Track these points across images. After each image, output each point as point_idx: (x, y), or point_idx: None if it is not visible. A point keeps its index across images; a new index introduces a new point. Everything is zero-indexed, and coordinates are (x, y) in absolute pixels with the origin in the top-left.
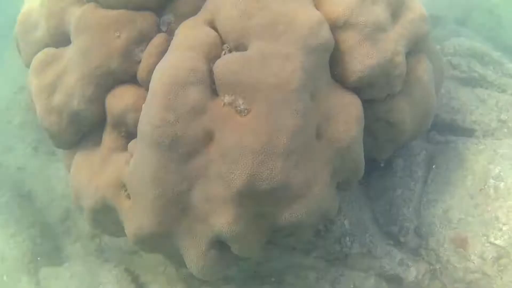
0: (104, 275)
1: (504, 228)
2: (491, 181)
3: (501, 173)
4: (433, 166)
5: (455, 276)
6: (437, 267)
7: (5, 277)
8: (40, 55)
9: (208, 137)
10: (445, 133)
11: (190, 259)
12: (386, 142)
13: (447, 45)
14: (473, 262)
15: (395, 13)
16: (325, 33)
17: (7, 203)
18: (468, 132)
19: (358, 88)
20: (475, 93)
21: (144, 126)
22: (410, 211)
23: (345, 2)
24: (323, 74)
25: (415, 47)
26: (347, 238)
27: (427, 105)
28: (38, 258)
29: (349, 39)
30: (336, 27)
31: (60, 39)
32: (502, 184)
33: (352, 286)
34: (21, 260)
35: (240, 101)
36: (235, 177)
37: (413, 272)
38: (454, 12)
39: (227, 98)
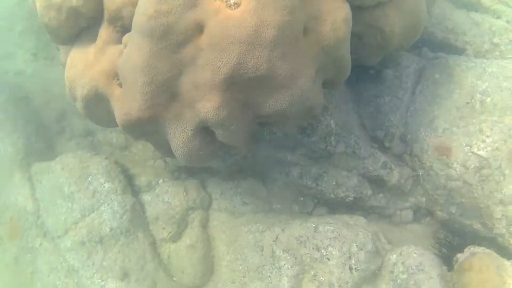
0: (94, 166)
1: (488, 140)
2: (478, 95)
3: (488, 89)
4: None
5: (437, 183)
6: (420, 173)
7: None
8: None
9: (199, 29)
10: (436, 50)
11: (176, 144)
12: (375, 47)
13: None
14: (455, 170)
15: None
16: None
17: (3, 103)
18: (459, 51)
19: None
20: (470, 16)
21: (139, 17)
22: (397, 118)
23: None
24: None
25: None
26: (332, 138)
27: (416, 16)
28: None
29: None
30: None
31: None
32: (488, 99)
33: (334, 183)
34: (14, 157)
35: None
36: (222, 64)
37: (395, 175)
38: None
39: None
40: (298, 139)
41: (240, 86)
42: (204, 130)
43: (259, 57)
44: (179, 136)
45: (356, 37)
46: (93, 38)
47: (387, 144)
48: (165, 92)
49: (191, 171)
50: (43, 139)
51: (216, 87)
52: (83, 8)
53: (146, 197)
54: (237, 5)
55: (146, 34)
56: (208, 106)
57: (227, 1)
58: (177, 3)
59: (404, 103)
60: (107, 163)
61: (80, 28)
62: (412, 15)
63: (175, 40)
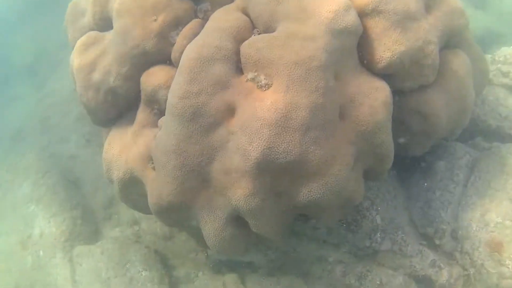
0: (133, 254)
1: None
2: None
3: None
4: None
5: (488, 282)
6: (471, 272)
7: (41, 252)
8: (83, 38)
9: (230, 111)
10: (491, 140)
11: (208, 233)
12: (420, 135)
13: (498, 54)
14: (508, 267)
15: (430, 5)
16: (351, 17)
17: (54, 185)
18: None
19: (388, 76)
20: None
21: (170, 98)
22: (448, 214)
23: None
24: (350, 58)
25: (452, 41)
26: (378, 234)
27: (463, 100)
28: (75, 237)
29: (378, 25)
30: (365, 13)
31: (104, 25)
32: None
33: (378, 283)
34: (58, 238)
35: (262, 77)
36: (253, 148)
37: (445, 275)
38: None
39: (250, 74)
40: (342, 235)
41: (272, 173)
42: (238, 219)
43: (290, 141)
44: (211, 224)
45: (399, 124)
46: (131, 120)
47: (437, 242)
48: (196, 177)
49: (232, 265)
50: (89, 223)
51: (247, 174)
52: (120, 89)
53: None
54: (268, 86)
55: (176, 115)
56: (238, 193)
57: (258, 83)
58: (207, 84)
59: (455, 197)
60: (147, 251)
61: (119, 110)
62: (459, 99)
63: (206, 123)
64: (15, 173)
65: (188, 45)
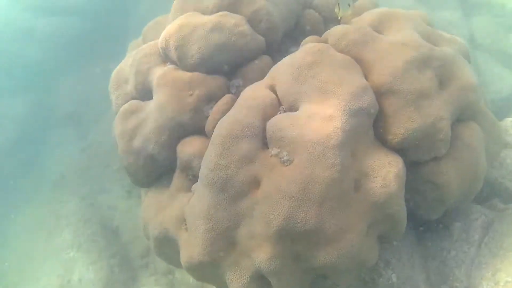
0: None
1: None
2: None
3: None
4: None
5: None
6: None
7: None
8: (126, 105)
9: (256, 183)
10: (508, 201)
11: None
12: (434, 202)
13: None
14: None
15: (443, 81)
16: (368, 98)
17: (94, 234)
18: None
19: (402, 150)
20: None
21: (203, 169)
22: (462, 272)
23: (390, 70)
24: (366, 134)
25: (464, 114)
26: None
27: (475, 170)
28: (112, 284)
29: (392, 104)
30: (380, 93)
31: (145, 94)
32: None
33: None
34: (96, 284)
35: (284, 153)
36: (274, 217)
37: None
38: None
39: (274, 150)
40: None
41: (292, 239)
42: (261, 278)
43: (308, 211)
44: (237, 282)
45: (413, 192)
46: (168, 183)
47: None
48: (224, 240)
49: None
50: (126, 271)
51: (269, 239)
52: (159, 155)
53: None
54: (290, 162)
55: (207, 185)
56: (261, 256)
57: (281, 158)
58: (235, 159)
59: (470, 257)
60: None
61: (157, 174)
62: (471, 169)
63: (234, 193)
64: (57, 219)
65: (220, 120)
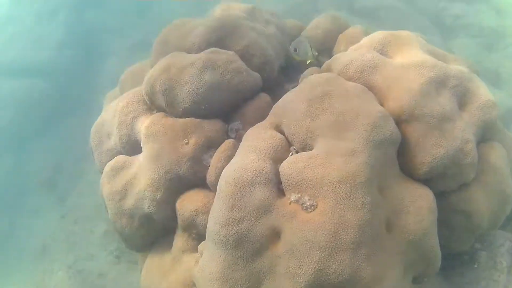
0: None
1: None
2: None
3: None
4: None
5: None
6: None
7: None
8: (112, 162)
9: (275, 234)
10: None
11: None
12: (464, 232)
13: None
14: None
15: (461, 101)
16: (390, 127)
17: None
18: None
19: (429, 180)
20: None
21: (212, 225)
22: None
23: (408, 94)
24: (391, 167)
25: (486, 134)
26: None
27: (503, 192)
28: None
29: (415, 130)
30: (401, 120)
31: (131, 147)
32: None
33: None
34: None
35: (306, 198)
36: (303, 272)
37: None
38: None
39: (293, 196)
40: None
41: None
42: None
43: (341, 261)
44: None
45: (442, 224)
46: (168, 245)
47: None
48: None
49: None
50: None
51: None
52: (156, 215)
53: None
54: (314, 207)
55: (219, 243)
56: None
57: (302, 204)
58: (249, 210)
59: (501, 284)
60: None
61: (154, 235)
62: (499, 191)
63: (251, 248)
64: None
65: (226, 169)
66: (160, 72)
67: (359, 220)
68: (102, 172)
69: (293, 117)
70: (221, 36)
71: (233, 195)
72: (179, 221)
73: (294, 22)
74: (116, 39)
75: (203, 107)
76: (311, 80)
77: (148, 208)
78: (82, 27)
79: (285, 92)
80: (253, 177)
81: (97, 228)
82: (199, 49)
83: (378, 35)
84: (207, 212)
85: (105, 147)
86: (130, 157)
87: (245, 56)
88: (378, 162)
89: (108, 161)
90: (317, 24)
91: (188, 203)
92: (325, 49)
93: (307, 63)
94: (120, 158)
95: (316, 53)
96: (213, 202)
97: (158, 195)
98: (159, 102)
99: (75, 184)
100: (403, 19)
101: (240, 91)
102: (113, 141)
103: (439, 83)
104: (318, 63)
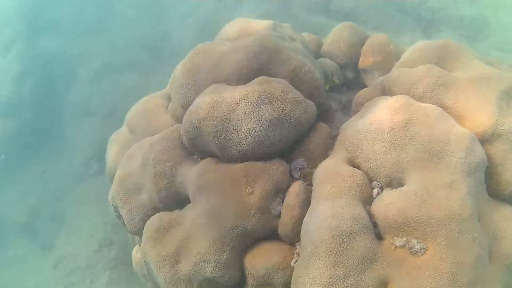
0: None
1: None
2: None
3: None
4: None
5: None
6: None
7: None
8: (154, 222)
9: (383, 285)
10: None
11: None
12: None
13: None
14: None
15: None
16: (480, 150)
17: None
18: None
19: None
20: None
21: (310, 287)
22: None
23: (487, 113)
24: (483, 192)
25: None
26: None
27: None
28: None
29: (499, 149)
30: (484, 140)
31: (172, 201)
32: None
33: None
34: None
35: (414, 241)
36: None
37: None
38: None
39: (398, 241)
40: None
41: None
42: None
43: None
44: None
45: None
46: None
47: None
48: None
49: None
50: None
51: None
52: (221, 278)
53: None
54: (424, 250)
55: None
56: None
57: (411, 248)
58: (354, 264)
59: None
60: None
61: None
62: None
63: None
64: None
65: (309, 219)
66: (207, 110)
67: (473, 257)
68: (133, 232)
69: (372, 149)
70: (264, 62)
71: (331, 250)
72: (250, 281)
73: (311, 36)
74: (77, 65)
75: (265, 147)
76: (385, 106)
77: (212, 272)
78: (39, 57)
79: (338, 119)
80: (350, 225)
81: (98, 278)
82: (240, 79)
83: (429, 47)
84: (286, 268)
85: (135, 203)
86: (173, 213)
87: (294, 82)
88: (475, 190)
89: (142, 219)
90: (338, 37)
91: (261, 260)
92: (350, 63)
93: (326, 88)
94: (164, 217)
95: (337, 80)
96: (291, 256)
97: (224, 257)
98: (205, 146)
99: (57, 228)
100: (383, 17)
101: (302, 124)
102: (146, 196)
103: (507, 94)
104: (339, 83)
